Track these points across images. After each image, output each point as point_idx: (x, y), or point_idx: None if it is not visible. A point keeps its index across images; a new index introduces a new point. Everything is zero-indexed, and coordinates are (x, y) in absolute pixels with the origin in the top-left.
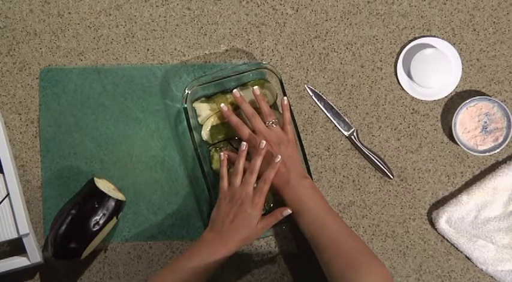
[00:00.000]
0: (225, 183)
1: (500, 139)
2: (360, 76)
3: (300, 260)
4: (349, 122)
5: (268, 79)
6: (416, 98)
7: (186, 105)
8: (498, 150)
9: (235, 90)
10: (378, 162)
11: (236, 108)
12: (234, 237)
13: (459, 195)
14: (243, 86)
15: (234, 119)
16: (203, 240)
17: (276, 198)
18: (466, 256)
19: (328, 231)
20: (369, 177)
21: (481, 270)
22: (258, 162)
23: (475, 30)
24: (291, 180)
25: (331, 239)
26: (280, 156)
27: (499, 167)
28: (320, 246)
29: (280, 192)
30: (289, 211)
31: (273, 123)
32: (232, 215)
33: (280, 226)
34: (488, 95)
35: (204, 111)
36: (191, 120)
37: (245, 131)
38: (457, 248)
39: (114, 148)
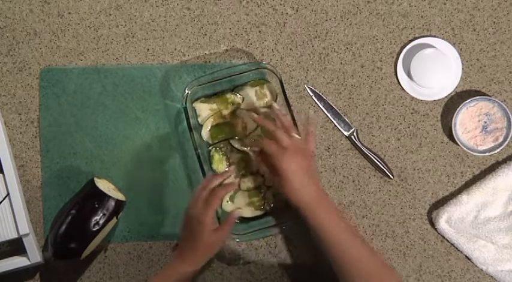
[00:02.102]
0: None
1: (500, 139)
2: (360, 76)
3: (300, 260)
4: (349, 122)
5: (268, 79)
6: (416, 98)
7: (186, 105)
8: (498, 150)
9: (256, 116)
10: (378, 162)
11: (236, 108)
12: (194, 256)
13: (459, 195)
14: (243, 86)
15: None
16: (171, 264)
17: (276, 199)
18: (466, 256)
19: (349, 253)
20: (369, 177)
21: (481, 270)
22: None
23: (475, 30)
24: (311, 199)
25: (352, 261)
26: (238, 213)
27: (499, 167)
28: (341, 267)
29: (300, 209)
30: (239, 213)
31: (295, 134)
32: (187, 237)
33: (280, 226)
34: (488, 95)
35: (204, 111)
36: (191, 120)
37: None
38: (457, 248)
39: (114, 148)
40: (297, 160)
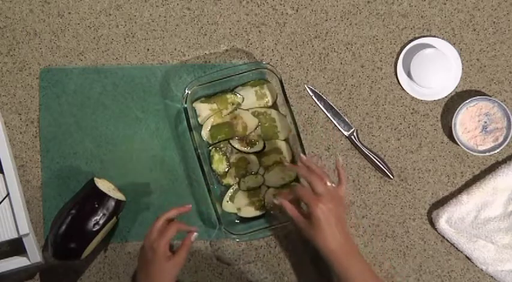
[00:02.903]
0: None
1: (500, 139)
2: (360, 76)
3: (300, 260)
4: (349, 122)
5: (268, 79)
6: (416, 98)
7: (186, 105)
8: (498, 150)
9: (288, 163)
10: (378, 162)
11: (235, 109)
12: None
13: (459, 195)
14: (243, 86)
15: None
16: None
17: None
18: (466, 256)
19: None
20: (369, 177)
21: (481, 270)
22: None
23: (475, 30)
24: (339, 247)
25: None
26: (195, 235)
27: (499, 167)
28: None
29: (330, 257)
30: (196, 234)
31: (331, 184)
32: (141, 266)
33: (280, 226)
34: (488, 95)
35: (204, 111)
36: (191, 120)
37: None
38: (457, 248)
39: (114, 148)
40: (331, 208)
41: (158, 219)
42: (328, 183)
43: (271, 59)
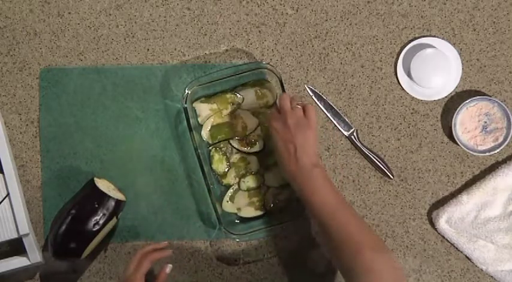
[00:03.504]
0: None
1: (500, 139)
2: (360, 76)
3: (300, 259)
4: (349, 122)
5: (268, 79)
6: (416, 98)
7: (186, 105)
8: (498, 150)
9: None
10: (378, 162)
11: (236, 108)
12: None
13: (459, 195)
14: (243, 86)
15: None
16: None
17: (276, 199)
18: (466, 256)
19: (336, 221)
20: (369, 177)
21: (481, 270)
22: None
23: (475, 30)
24: (300, 169)
25: (339, 229)
26: (170, 266)
27: (499, 167)
28: (328, 235)
29: (289, 180)
30: (170, 266)
31: (297, 105)
32: None
33: (280, 226)
34: (488, 95)
35: (204, 111)
36: (191, 120)
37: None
38: (457, 248)
39: (114, 148)
40: (290, 127)
41: (135, 254)
42: (298, 107)
43: (271, 59)
